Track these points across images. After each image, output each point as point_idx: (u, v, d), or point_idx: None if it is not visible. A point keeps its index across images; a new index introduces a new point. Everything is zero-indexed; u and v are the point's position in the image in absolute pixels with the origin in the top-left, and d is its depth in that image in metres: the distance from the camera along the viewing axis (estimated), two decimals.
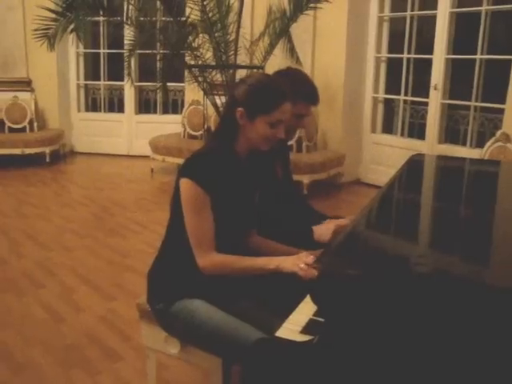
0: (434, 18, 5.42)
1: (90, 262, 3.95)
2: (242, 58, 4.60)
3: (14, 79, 7.10)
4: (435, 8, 5.39)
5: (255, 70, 4.07)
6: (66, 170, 7.09)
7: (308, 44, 5.99)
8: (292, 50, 5.39)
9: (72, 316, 3.14)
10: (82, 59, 7.68)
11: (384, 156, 6.02)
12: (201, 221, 1.78)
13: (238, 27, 4.13)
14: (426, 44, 5.57)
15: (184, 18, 3.99)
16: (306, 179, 5.61)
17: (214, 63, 4.40)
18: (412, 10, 5.69)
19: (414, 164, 2.82)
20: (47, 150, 6.84)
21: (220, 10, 3.96)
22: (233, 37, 4.14)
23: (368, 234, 1.66)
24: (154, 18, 4.10)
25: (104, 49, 7.56)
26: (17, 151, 6.68)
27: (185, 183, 1.77)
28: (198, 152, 1.83)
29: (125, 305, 3.26)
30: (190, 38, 3.98)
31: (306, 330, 1.44)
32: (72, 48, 7.45)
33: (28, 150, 6.70)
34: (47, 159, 6.88)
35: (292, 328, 1.47)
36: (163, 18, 4.14)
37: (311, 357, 1.17)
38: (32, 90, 7.19)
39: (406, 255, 1.43)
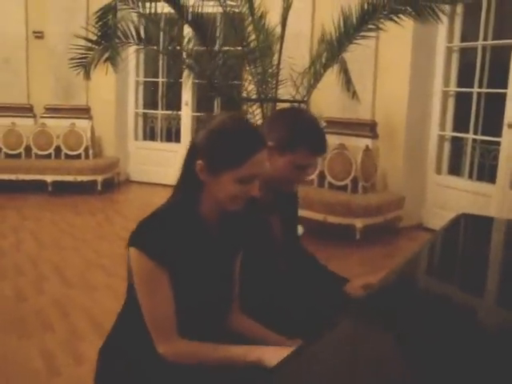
0: (509, 47, 4.84)
1: (109, 304, 3.68)
2: (290, 91, 4.25)
3: (74, 106, 7.15)
4: (511, 37, 4.81)
5: (296, 105, 3.72)
6: (117, 199, 7.00)
7: (368, 77, 5.56)
8: (348, 84, 4.99)
9: (70, 369, 2.85)
10: (141, 88, 7.66)
11: (449, 200, 5.42)
12: (157, 301, 1.42)
13: (279, 58, 3.80)
14: (499, 77, 4.98)
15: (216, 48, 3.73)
16: (359, 223, 5.12)
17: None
18: (485, 40, 5.13)
19: (458, 227, 2.35)
20: (99, 178, 6.79)
21: (258, 40, 3.67)
22: (273, 69, 3.82)
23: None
24: (188, 47, 3.86)
25: (163, 77, 7.49)
26: (69, 178, 6.67)
27: (134, 255, 1.41)
28: (151, 214, 1.47)
29: None
30: (224, 68, 3.72)
31: None
32: (132, 76, 7.45)
33: (80, 178, 6.68)
34: (99, 187, 6.83)
35: None
36: (200, 48, 3.90)
37: None
38: (90, 118, 7.21)
39: None
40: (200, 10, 3.78)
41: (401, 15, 3.58)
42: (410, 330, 1.39)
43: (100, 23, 3.74)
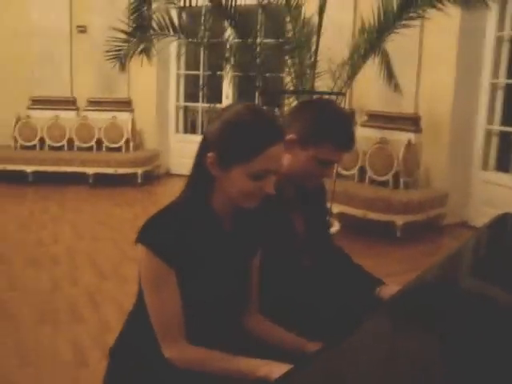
0: None
1: None
2: (328, 84, 4.12)
3: (115, 99, 7.22)
4: None
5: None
6: (156, 191, 7.03)
7: (412, 69, 5.36)
8: (390, 76, 4.80)
9: (97, 362, 2.84)
10: (182, 80, 7.65)
11: (497, 197, 5.17)
12: (163, 302, 1.35)
13: (316, 49, 3.68)
14: None
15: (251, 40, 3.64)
16: (399, 220, 4.94)
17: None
18: None
19: (501, 226, 2.20)
20: (139, 170, 6.84)
21: (294, 30, 3.56)
22: (311, 60, 3.70)
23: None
24: (222, 39, 3.80)
25: (204, 70, 7.46)
26: (110, 170, 6.74)
27: (141, 252, 1.34)
28: (160, 210, 1.39)
29: None
30: (258, 60, 3.63)
31: None
32: (173, 69, 7.46)
33: (120, 170, 6.73)
34: (139, 180, 6.88)
35: None
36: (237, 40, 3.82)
37: None
38: (131, 111, 7.27)
39: None
40: (237, 3, 3.69)
41: (445, 2, 3.39)
42: (446, 329, 1.31)
43: (135, 15, 3.71)
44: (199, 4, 3.84)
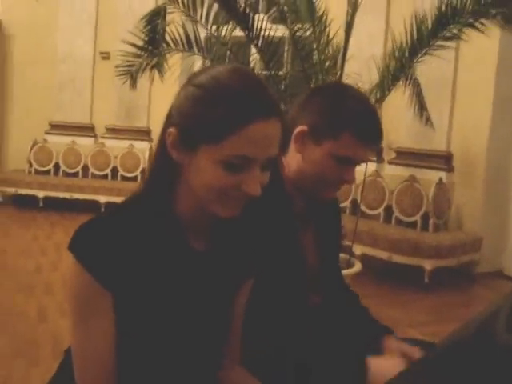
0: None
1: None
2: None
3: (134, 128, 7.01)
4: None
5: None
6: None
7: (445, 102, 5.01)
8: (421, 109, 4.45)
9: None
10: None
11: None
12: (88, 334, 0.97)
13: (341, 73, 3.35)
14: None
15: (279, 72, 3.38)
16: (428, 265, 4.48)
17: None
18: None
19: None
20: None
21: (319, 53, 3.26)
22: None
23: None
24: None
25: None
26: (122, 200, 6.44)
27: (72, 263, 0.96)
28: (106, 211, 1.05)
29: None
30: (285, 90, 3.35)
31: None
32: None
33: None
34: None
35: None
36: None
37: None
38: (150, 140, 7.04)
39: None
40: (265, 34, 3.42)
41: (484, 20, 3.05)
42: None
43: (147, 27, 3.48)
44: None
